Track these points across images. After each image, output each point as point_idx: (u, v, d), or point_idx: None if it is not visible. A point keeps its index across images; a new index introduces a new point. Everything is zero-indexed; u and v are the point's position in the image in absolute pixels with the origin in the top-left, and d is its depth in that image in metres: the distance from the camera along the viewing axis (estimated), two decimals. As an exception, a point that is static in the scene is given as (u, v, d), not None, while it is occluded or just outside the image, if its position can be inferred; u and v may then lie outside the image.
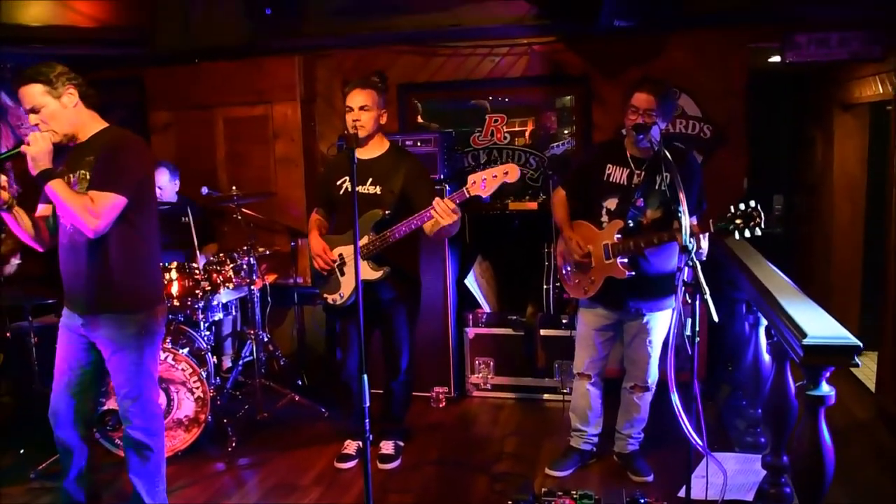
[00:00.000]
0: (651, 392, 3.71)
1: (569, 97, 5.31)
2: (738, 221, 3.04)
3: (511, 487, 3.70)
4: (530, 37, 5.18)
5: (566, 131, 5.32)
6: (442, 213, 3.32)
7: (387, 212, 3.56)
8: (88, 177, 2.89)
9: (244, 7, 5.14)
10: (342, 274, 3.73)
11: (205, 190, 4.77)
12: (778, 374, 2.96)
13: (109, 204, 2.83)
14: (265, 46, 5.38)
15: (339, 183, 3.80)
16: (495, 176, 3.25)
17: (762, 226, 3.02)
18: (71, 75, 2.90)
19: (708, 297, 2.65)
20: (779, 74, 6.09)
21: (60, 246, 3.06)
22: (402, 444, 4.11)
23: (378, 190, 3.67)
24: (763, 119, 5.27)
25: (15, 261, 5.05)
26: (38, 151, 2.79)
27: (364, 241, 3.60)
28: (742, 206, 3.04)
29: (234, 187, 4.60)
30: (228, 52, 5.44)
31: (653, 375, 3.67)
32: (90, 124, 2.98)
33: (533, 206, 5.05)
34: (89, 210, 2.79)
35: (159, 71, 5.76)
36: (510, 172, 3.25)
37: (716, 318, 2.65)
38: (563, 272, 3.75)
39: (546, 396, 4.84)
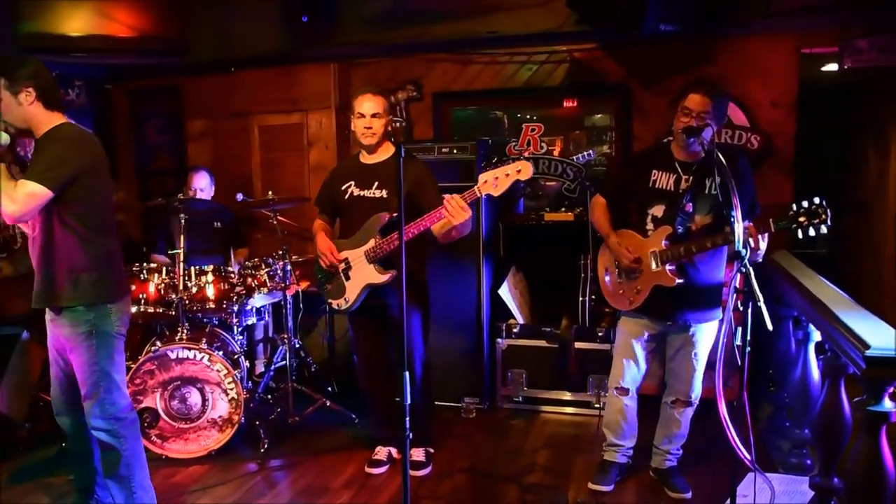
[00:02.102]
0: (693, 407, 3.60)
1: (603, 112, 5.30)
2: (801, 219, 2.89)
3: (543, 499, 3.66)
4: (570, 44, 5.14)
5: (603, 140, 5.29)
6: (454, 210, 3.27)
7: (394, 214, 3.54)
8: None
9: (280, 16, 5.16)
10: (347, 278, 3.73)
11: (240, 196, 4.79)
12: (831, 391, 2.82)
13: (27, 192, 2.82)
14: (301, 55, 5.41)
15: (343, 188, 3.82)
16: (507, 174, 3.18)
17: (829, 223, 2.86)
18: (36, 75, 2.93)
19: (762, 303, 2.55)
20: (828, 85, 5.91)
21: None
22: (432, 451, 4.07)
23: (384, 193, 3.70)
24: (810, 132, 5.13)
25: None
26: None
27: (371, 244, 3.62)
28: (805, 204, 2.90)
29: (269, 192, 4.59)
30: (264, 60, 5.50)
31: (696, 390, 3.56)
32: (46, 122, 2.98)
33: (569, 216, 4.99)
34: (9, 195, 2.83)
35: (196, 80, 5.85)
36: (523, 170, 3.17)
37: (770, 326, 2.55)
38: (605, 282, 3.64)
39: (579, 411, 4.73)
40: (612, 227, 3.57)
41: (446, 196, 3.31)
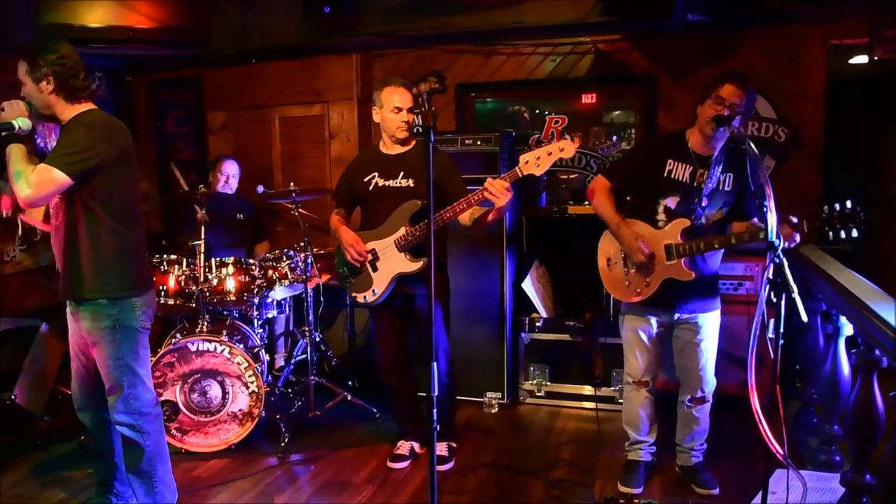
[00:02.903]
0: (710, 402, 3.56)
1: (628, 103, 5.25)
2: (834, 222, 2.88)
3: (568, 494, 3.59)
4: (595, 35, 5.07)
5: (622, 136, 5.25)
6: (497, 192, 3.20)
7: (425, 202, 3.48)
8: None
9: (301, 6, 5.15)
10: (374, 269, 3.69)
11: (260, 188, 4.76)
12: (864, 386, 2.76)
13: (45, 177, 2.74)
14: (322, 45, 5.39)
15: (366, 179, 3.77)
16: (550, 153, 3.13)
17: (862, 227, 2.85)
18: (57, 63, 2.84)
19: (796, 294, 2.49)
20: (858, 78, 5.82)
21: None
22: (454, 445, 4.02)
23: (411, 182, 3.66)
24: (838, 126, 5.05)
25: None
26: (9, 116, 2.84)
27: (401, 232, 3.59)
28: (838, 206, 2.88)
29: (291, 183, 4.54)
30: (285, 51, 5.47)
31: (710, 384, 3.51)
32: (69, 109, 2.92)
33: (593, 210, 4.91)
34: (26, 178, 2.75)
35: (217, 71, 5.83)
36: (566, 149, 3.13)
37: (804, 317, 2.49)
38: (608, 272, 3.54)
39: (603, 406, 4.64)
40: (618, 213, 3.44)
41: (489, 179, 3.24)
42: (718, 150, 3.29)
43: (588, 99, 5.28)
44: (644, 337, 3.51)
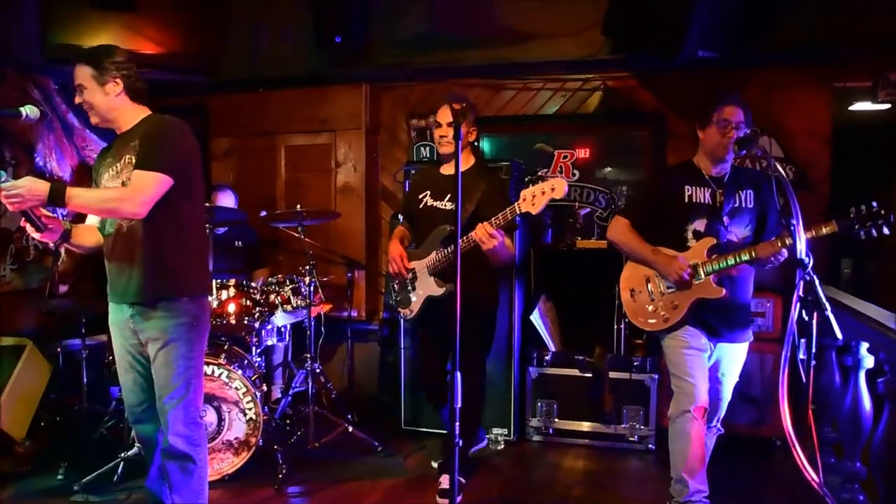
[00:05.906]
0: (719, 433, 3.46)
1: (636, 136, 5.27)
2: (864, 220, 2.90)
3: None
4: (603, 72, 5.11)
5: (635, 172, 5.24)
6: (482, 237, 3.28)
7: (451, 227, 3.48)
8: (134, 160, 2.79)
9: (313, 36, 5.14)
10: (413, 288, 3.70)
11: (264, 213, 4.66)
12: (893, 415, 2.71)
13: (151, 182, 2.71)
14: (332, 75, 5.38)
15: (420, 196, 3.80)
16: (543, 192, 3.15)
17: (890, 223, 2.86)
18: (123, 66, 2.85)
19: (829, 312, 2.43)
20: (863, 123, 5.89)
21: (109, 236, 2.92)
22: (462, 480, 3.82)
23: (455, 206, 3.56)
24: (846, 171, 5.09)
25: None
26: (31, 196, 2.61)
27: (433, 256, 3.60)
28: (864, 207, 2.92)
29: (298, 206, 4.41)
30: (294, 80, 5.46)
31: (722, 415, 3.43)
32: (132, 114, 2.91)
33: (602, 244, 4.85)
34: (123, 196, 2.71)
35: (223, 98, 5.78)
36: (556, 188, 3.14)
37: (839, 335, 2.45)
38: (633, 302, 3.41)
39: (613, 444, 4.47)
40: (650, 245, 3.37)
41: (479, 224, 3.30)
42: (730, 170, 3.33)
43: (583, 154, 5.30)
44: (697, 357, 3.26)
